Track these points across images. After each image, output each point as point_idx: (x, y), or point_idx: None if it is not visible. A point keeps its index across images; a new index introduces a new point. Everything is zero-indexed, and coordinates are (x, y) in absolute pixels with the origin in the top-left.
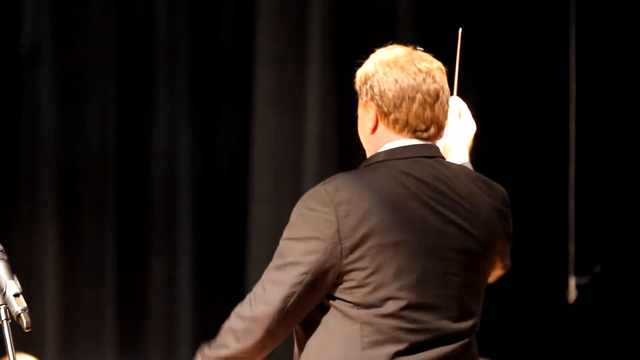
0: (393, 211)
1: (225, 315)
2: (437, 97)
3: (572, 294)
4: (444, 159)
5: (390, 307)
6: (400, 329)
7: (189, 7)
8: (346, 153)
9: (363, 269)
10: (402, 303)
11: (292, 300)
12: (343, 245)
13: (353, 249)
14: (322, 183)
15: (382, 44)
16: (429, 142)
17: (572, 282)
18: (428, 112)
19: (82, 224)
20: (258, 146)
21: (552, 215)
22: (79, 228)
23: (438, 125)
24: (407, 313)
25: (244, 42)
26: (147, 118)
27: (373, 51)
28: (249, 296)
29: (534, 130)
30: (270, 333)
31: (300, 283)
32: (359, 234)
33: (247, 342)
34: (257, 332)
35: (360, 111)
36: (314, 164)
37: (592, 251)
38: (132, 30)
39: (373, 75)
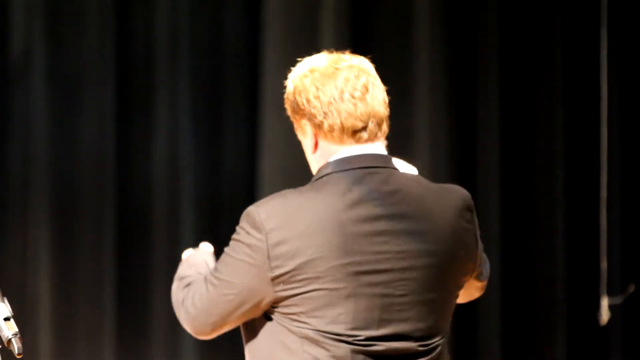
0: (334, 235)
1: (231, 339)
2: (366, 89)
3: (605, 315)
4: (396, 169)
5: (336, 333)
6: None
7: (192, 8)
8: None
9: (299, 297)
10: (343, 328)
11: (219, 315)
12: (274, 273)
13: (286, 278)
14: (257, 203)
15: (396, 49)
16: (378, 152)
17: (605, 302)
18: (361, 107)
19: (78, 241)
20: (266, 157)
21: (582, 231)
22: (75, 245)
23: (377, 119)
24: (350, 339)
25: (250, 46)
26: (147, 128)
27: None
28: (186, 293)
29: (563, 142)
30: (200, 332)
31: (228, 302)
32: (292, 262)
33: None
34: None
35: (299, 135)
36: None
37: (625, 269)
38: (131, 33)
39: (294, 91)
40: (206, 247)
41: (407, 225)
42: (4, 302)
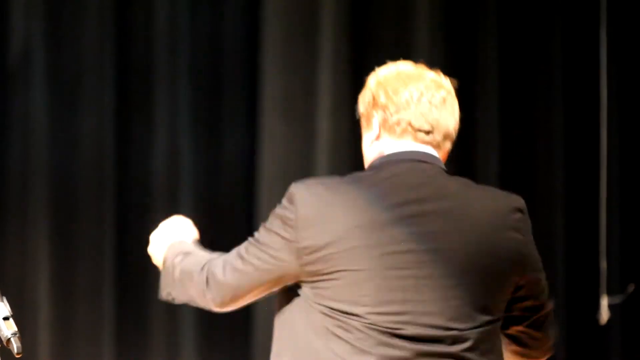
0: (364, 219)
1: (231, 339)
2: (444, 102)
3: (604, 314)
4: (446, 170)
5: (358, 315)
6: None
7: (191, 8)
8: (359, 163)
9: (326, 275)
10: (365, 311)
11: (245, 287)
12: (300, 245)
13: (312, 252)
14: (298, 181)
15: (396, 49)
16: (431, 153)
17: (604, 302)
18: (434, 114)
19: (77, 241)
20: (266, 158)
21: (582, 230)
22: (74, 245)
23: (443, 132)
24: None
25: (250, 46)
26: (146, 128)
27: (385, 59)
28: (223, 260)
29: (563, 142)
30: (222, 301)
31: (257, 272)
32: (320, 239)
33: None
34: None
35: (364, 130)
36: (325, 175)
37: (625, 269)
38: (131, 34)
39: (377, 87)
40: (185, 226)
41: (437, 207)
42: (3, 301)
